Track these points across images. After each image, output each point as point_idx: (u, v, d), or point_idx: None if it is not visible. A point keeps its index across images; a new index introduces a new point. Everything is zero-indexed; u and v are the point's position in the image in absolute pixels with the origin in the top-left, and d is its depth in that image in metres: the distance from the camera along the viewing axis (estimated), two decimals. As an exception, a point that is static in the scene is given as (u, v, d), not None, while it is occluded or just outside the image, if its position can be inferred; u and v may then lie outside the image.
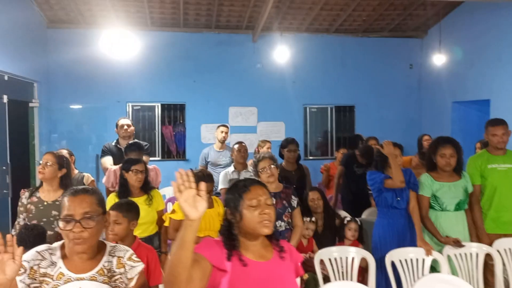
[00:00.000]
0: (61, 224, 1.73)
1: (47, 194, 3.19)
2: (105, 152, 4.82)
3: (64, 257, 1.77)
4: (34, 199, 3.17)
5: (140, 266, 1.86)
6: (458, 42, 7.74)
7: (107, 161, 4.67)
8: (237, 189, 1.84)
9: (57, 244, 1.82)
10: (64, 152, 4.21)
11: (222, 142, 5.83)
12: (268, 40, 8.09)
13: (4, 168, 5.74)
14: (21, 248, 1.56)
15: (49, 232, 2.99)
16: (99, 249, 1.83)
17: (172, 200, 5.08)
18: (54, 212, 3.12)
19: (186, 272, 1.53)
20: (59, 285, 1.71)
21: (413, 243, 3.42)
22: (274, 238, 1.90)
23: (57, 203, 3.15)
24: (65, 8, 7.10)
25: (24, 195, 3.22)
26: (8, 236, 1.54)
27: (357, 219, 3.87)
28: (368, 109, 8.70)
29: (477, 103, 7.57)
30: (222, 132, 5.82)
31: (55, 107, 7.47)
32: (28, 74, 6.51)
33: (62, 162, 3.26)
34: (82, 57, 7.32)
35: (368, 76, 8.61)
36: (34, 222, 3.09)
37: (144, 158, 4.71)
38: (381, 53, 8.67)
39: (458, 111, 7.99)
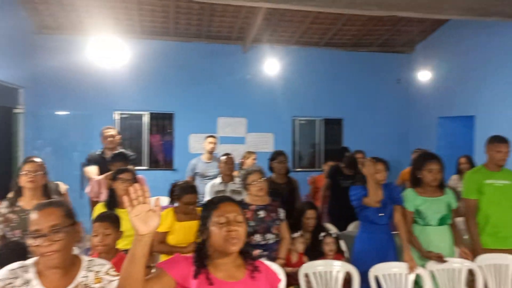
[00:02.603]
0: (30, 240, 1.70)
1: (30, 202, 3.08)
2: (89, 161, 4.73)
3: (39, 273, 1.73)
4: (16, 208, 3.08)
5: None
6: (445, 58, 7.86)
7: (91, 170, 4.59)
8: (207, 206, 1.84)
9: (30, 261, 1.78)
10: (39, 161, 4.14)
11: (211, 153, 5.80)
12: (258, 51, 8.13)
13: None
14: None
15: None
16: (74, 264, 1.79)
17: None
18: None
19: (138, 286, 1.55)
20: None
21: (396, 258, 3.43)
22: (249, 257, 1.86)
23: None
24: (54, 15, 7.07)
25: (2, 204, 3.12)
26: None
27: (332, 232, 3.85)
28: (356, 122, 8.75)
29: (462, 118, 7.67)
30: (210, 143, 5.79)
31: (42, 114, 7.39)
32: (13, 80, 6.43)
33: (46, 170, 3.24)
34: (70, 64, 7.27)
35: (357, 90, 8.68)
36: (18, 231, 3.01)
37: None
38: (370, 68, 8.76)
39: (444, 126, 8.09)
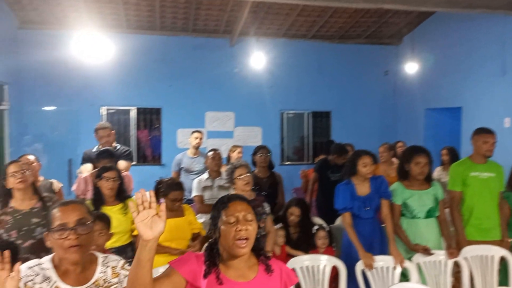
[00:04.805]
0: (55, 234, 1.74)
1: (22, 202, 3.07)
2: (84, 159, 4.58)
3: (58, 271, 1.78)
4: (8, 209, 3.04)
5: None
6: (431, 50, 7.89)
7: (86, 168, 4.45)
8: (217, 205, 1.82)
9: (46, 259, 1.81)
10: (32, 158, 4.08)
11: (196, 148, 5.76)
12: (245, 44, 8.08)
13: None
14: (18, 262, 1.62)
15: (30, 241, 2.96)
16: (91, 261, 1.85)
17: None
18: (34, 220, 3.03)
19: None
20: None
21: (383, 252, 3.45)
22: (263, 255, 1.83)
23: (34, 210, 3.07)
24: (38, 9, 6.95)
25: None
26: (5, 253, 1.58)
27: (324, 226, 3.87)
28: (344, 115, 8.78)
29: (449, 110, 7.73)
30: (196, 138, 5.74)
31: (27, 110, 7.30)
32: (-3, 76, 6.33)
33: (33, 167, 3.28)
34: (54, 59, 7.16)
35: (344, 82, 8.70)
36: (14, 232, 2.99)
37: (125, 164, 4.59)
38: (357, 60, 8.77)
39: (431, 117, 8.14)
